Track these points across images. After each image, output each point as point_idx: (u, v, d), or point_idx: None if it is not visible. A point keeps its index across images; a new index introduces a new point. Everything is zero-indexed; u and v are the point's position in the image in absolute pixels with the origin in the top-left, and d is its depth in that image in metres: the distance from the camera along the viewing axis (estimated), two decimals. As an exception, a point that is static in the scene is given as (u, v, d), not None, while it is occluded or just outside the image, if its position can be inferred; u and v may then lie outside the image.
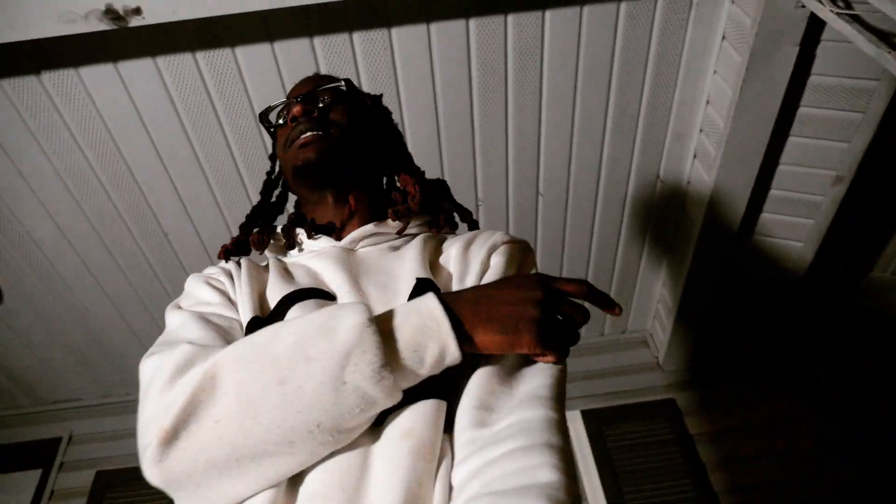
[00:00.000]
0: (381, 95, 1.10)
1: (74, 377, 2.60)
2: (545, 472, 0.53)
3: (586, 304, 0.69)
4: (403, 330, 0.60)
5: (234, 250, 0.94)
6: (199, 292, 0.79)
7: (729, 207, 1.98)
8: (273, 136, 0.99)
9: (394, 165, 1.03)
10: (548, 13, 1.71)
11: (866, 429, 2.27)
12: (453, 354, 0.60)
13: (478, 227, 0.98)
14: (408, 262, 0.79)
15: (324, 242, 0.87)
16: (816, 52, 1.67)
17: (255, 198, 1.07)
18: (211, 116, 1.83)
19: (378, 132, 1.02)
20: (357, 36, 1.71)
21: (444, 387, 0.64)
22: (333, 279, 0.78)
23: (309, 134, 0.87)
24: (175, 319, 0.73)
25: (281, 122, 0.95)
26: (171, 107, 1.80)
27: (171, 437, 0.55)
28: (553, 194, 2.15)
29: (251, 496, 0.59)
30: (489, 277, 0.75)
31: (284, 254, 0.96)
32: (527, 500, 0.51)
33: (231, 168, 1.96)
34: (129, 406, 2.61)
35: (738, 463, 2.28)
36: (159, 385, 0.59)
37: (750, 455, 2.30)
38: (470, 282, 0.76)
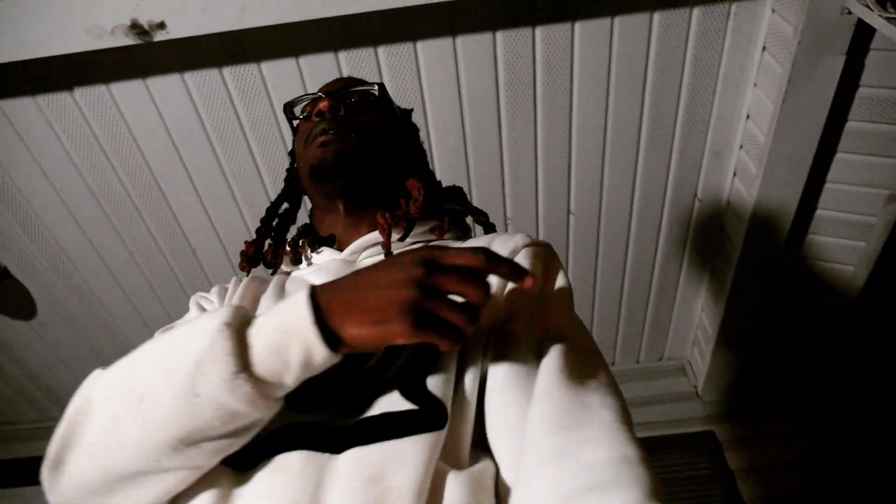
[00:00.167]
0: (412, 110, 1.06)
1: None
2: None
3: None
4: (264, 331, 0.53)
5: (253, 260, 0.92)
6: (189, 313, 0.77)
7: (772, 229, 1.87)
8: (294, 130, 0.95)
9: (409, 175, 0.99)
10: (577, 25, 1.66)
11: (927, 469, 2.10)
12: (321, 354, 0.52)
13: (495, 230, 0.92)
14: None
15: (326, 255, 0.83)
16: (865, 62, 1.57)
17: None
18: (237, 131, 1.83)
19: (402, 145, 0.97)
20: (382, 50, 1.69)
21: (437, 411, 0.56)
22: None
23: (331, 133, 0.83)
24: None
25: (304, 115, 0.91)
26: (198, 122, 1.80)
27: (56, 463, 0.54)
28: (585, 213, 2.08)
29: None
30: (513, 287, 0.68)
31: (296, 266, 0.92)
32: None
33: (257, 183, 1.96)
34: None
35: (783, 502, 2.13)
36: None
37: (795, 494, 2.15)
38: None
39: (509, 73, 1.74)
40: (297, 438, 0.56)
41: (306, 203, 1.05)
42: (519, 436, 0.55)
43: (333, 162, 0.81)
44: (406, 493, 0.50)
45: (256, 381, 0.51)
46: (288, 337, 0.52)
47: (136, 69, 1.69)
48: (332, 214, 0.88)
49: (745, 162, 1.88)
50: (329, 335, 0.52)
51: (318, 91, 0.91)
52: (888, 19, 1.24)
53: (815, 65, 1.52)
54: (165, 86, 1.73)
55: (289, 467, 0.54)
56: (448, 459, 0.56)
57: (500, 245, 0.73)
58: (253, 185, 1.96)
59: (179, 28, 1.47)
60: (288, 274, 0.85)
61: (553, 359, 0.59)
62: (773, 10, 1.60)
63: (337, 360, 0.53)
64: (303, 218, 1.05)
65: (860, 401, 2.28)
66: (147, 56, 1.66)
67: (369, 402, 0.59)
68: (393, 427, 0.55)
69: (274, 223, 0.98)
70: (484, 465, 0.57)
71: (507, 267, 0.55)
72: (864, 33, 1.49)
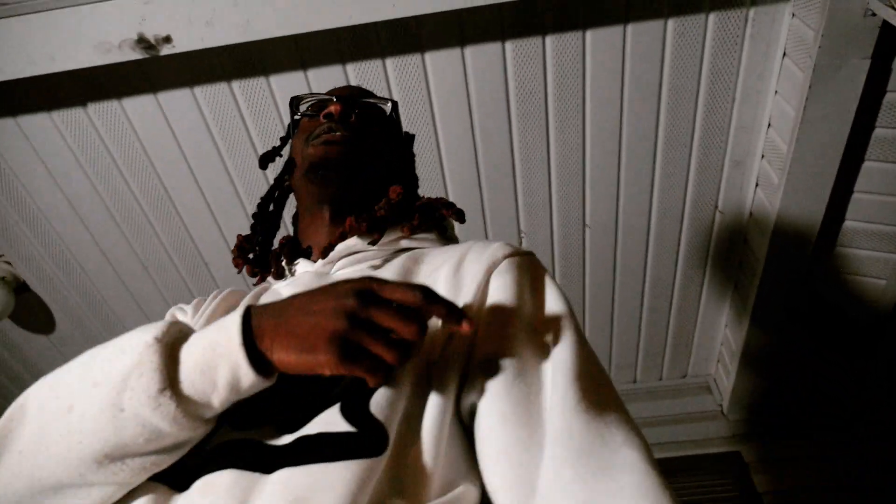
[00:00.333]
0: (414, 136, 1.04)
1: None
2: None
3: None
4: (193, 349, 0.51)
5: (259, 261, 0.91)
6: None
7: (797, 241, 1.79)
8: (294, 124, 0.92)
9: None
10: (588, 33, 1.62)
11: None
12: (248, 377, 0.50)
13: (463, 221, 0.88)
14: None
15: (301, 267, 0.80)
16: (893, 66, 1.50)
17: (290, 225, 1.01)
18: (247, 144, 1.83)
19: (400, 168, 0.95)
20: (390, 62, 1.67)
21: (375, 436, 0.53)
22: None
23: (340, 134, 0.81)
24: None
25: (311, 113, 0.88)
26: (208, 135, 1.81)
27: None
28: (601, 226, 2.02)
29: None
30: (498, 306, 0.63)
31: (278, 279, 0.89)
32: None
33: (268, 197, 1.95)
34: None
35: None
36: None
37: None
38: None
39: (519, 84, 1.71)
40: (231, 457, 0.54)
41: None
42: (527, 482, 0.51)
43: (337, 160, 0.80)
44: None
45: (181, 400, 0.50)
46: (216, 356, 0.51)
47: (147, 84, 1.70)
48: (317, 222, 0.85)
49: (767, 172, 1.81)
50: (258, 358, 0.51)
51: (330, 94, 0.89)
52: (914, 20, 1.18)
53: (837, 70, 1.46)
54: (176, 100, 1.74)
55: (218, 486, 0.52)
56: (397, 489, 0.52)
57: (477, 255, 0.68)
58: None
59: (185, 42, 1.47)
60: (266, 286, 0.83)
61: (565, 389, 0.55)
62: (794, 15, 1.54)
63: (267, 384, 0.52)
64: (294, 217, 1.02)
65: (890, 415, 2.17)
66: (157, 71, 1.67)
67: (309, 418, 0.56)
68: (325, 449, 0.52)
69: (255, 248, 0.95)
70: (455, 498, 0.53)
71: (443, 308, 0.53)
72: (890, 36, 1.42)
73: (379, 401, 0.55)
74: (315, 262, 0.79)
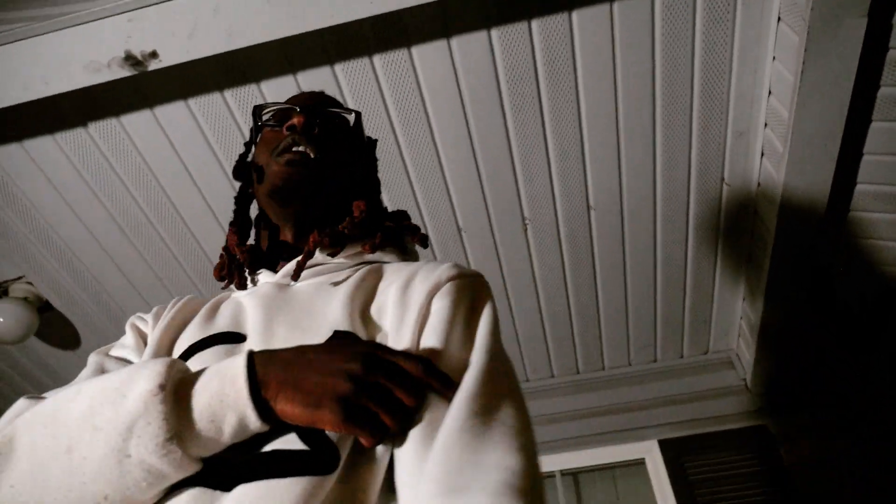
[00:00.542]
0: (377, 141, 1.03)
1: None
2: None
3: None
4: (200, 397, 0.53)
5: (252, 257, 0.88)
6: (125, 335, 0.76)
7: (807, 209, 1.75)
8: (257, 129, 0.91)
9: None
10: (574, 14, 1.59)
11: None
12: (255, 424, 0.53)
13: (426, 246, 0.89)
14: (334, 303, 0.70)
15: (262, 277, 0.81)
16: (893, 23, 1.45)
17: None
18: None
19: (363, 176, 0.95)
20: (377, 59, 1.67)
21: (327, 455, 0.55)
22: (251, 319, 0.71)
23: (301, 149, 0.80)
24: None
25: (274, 124, 0.88)
26: (206, 145, 1.83)
27: None
28: (605, 207, 2.00)
29: None
30: (432, 329, 0.64)
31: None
32: None
33: (271, 202, 1.97)
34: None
35: (842, 499, 1.98)
36: None
37: (855, 489, 2.00)
38: (406, 335, 0.65)
39: (509, 70, 1.69)
40: (197, 476, 0.55)
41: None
42: (415, 491, 0.53)
43: (297, 183, 0.79)
44: None
45: (188, 446, 0.52)
46: (224, 406, 0.53)
47: (143, 100, 1.73)
48: (282, 233, 0.87)
49: (771, 141, 1.76)
50: (263, 406, 0.54)
51: (292, 102, 0.88)
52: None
53: (833, 31, 1.41)
54: (171, 113, 1.76)
55: None
56: None
57: (424, 276, 0.70)
58: (267, 203, 1.97)
59: (172, 56, 1.49)
60: (229, 294, 0.83)
61: (458, 408, 0.56)
62: (785, -24, 1.50)
63: (268, 428, 0.55)
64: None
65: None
66: (150, 86, 1.69)
67: (268, 439, 0.57)
68: (278, 465, 0.54)
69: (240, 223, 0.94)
70: None
71: (439, 382, 0.58)
72: (886, -9, 1.37)
73: None
74: (276, 273, 0.80)
